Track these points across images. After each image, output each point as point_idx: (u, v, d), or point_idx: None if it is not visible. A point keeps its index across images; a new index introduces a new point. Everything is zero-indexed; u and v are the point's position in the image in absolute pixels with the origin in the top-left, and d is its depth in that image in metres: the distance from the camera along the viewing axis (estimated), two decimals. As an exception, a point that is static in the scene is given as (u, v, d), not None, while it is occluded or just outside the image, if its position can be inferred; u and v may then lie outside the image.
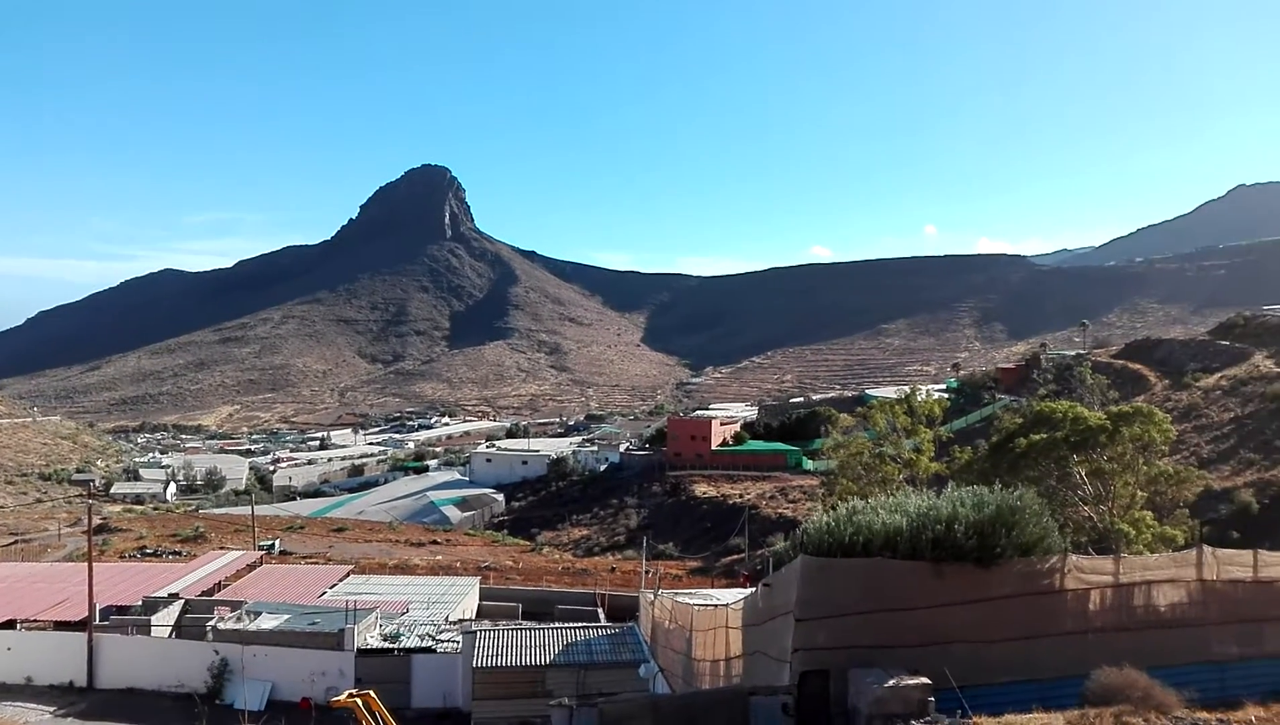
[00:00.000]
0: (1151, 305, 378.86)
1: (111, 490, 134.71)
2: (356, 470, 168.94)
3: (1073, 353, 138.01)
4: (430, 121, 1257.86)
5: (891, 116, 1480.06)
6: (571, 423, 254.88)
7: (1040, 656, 16.09)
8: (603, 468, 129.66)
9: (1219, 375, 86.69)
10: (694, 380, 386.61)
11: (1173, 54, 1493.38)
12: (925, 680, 14.19)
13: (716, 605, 24.71)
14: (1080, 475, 34.84)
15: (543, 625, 38.86)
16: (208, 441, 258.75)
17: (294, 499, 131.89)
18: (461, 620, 44.98)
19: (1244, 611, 17.82)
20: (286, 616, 40.88)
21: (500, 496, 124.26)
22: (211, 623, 40.03)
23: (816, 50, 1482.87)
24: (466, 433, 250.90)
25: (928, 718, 13.59)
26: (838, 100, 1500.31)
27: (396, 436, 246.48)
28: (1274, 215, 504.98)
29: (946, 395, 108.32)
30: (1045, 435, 35.65)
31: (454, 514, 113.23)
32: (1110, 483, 34.44)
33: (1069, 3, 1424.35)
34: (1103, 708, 13.96)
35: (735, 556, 71.64)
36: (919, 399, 49.00)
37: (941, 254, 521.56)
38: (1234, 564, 18.18)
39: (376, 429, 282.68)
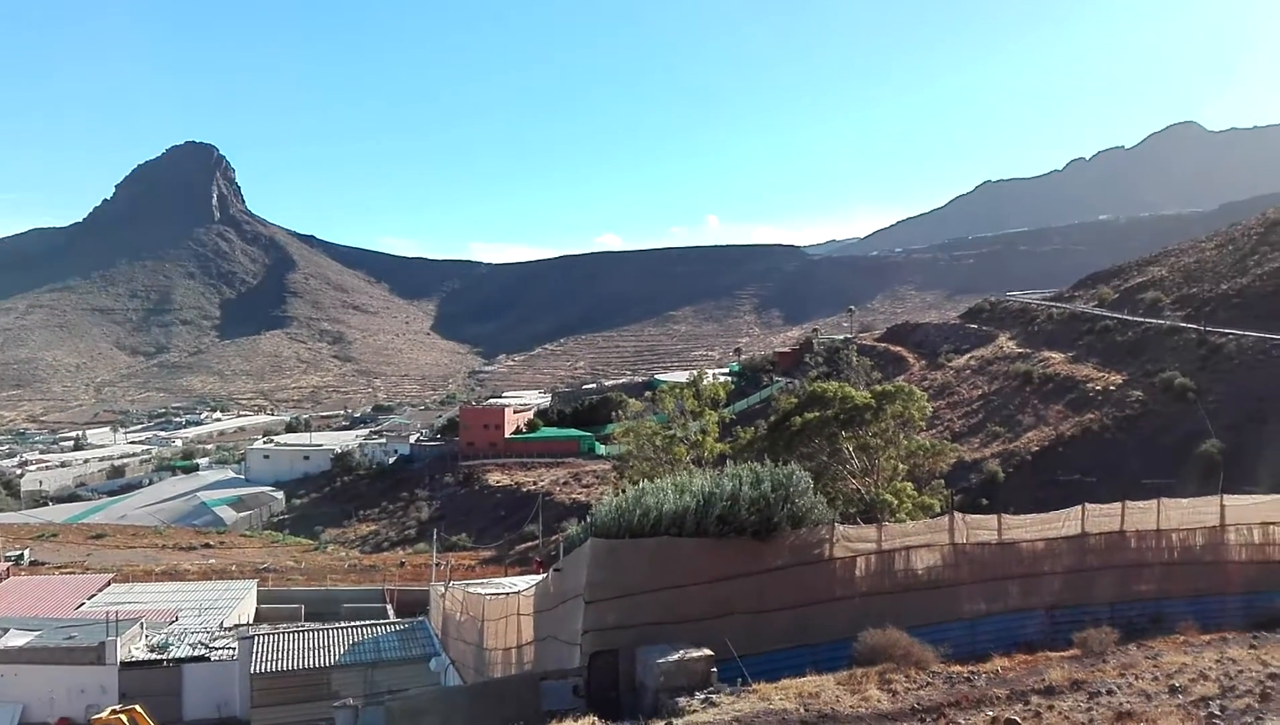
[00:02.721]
0: (910, 292, 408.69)
1: None
2: (117, 472, 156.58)
3: (841, 337, 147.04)
4: (195, 96, 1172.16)
5: (676, 109, 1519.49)
6: (357, 415, 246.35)
7: (813, 622, 17.06)
8: (392, 460, 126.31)
9: (969, 356, 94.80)
10: (486, 368, 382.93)
11: (919, 60, 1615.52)
12: (708, 652, 14.73)
13: (508, 594, 24.64)
14: (849, 450, 37.16)
15: (327, 626, 37.59)
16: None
17: (45, 505, 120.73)
18: (238, 626, 42.71)
19: (990, 571, 19.60)
20: (39, 632, 37.51)
21: (280, 495, 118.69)
22: (-52, 645, 36.04)
23: (606, 39, 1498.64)
24: (241, 428, 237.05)
25: (711, 688, 14.11)
26: (625, 91, 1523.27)
27: (162, 434, 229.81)
28: (1017, 209, 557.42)
29: (729, 378, 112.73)
30: (818, 414, 37.78)
31: (228, 515, 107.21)
32: (875, 457, 36.96)
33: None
34: (869, 667, 14.98)
35: (529, 544, 71.72)
36: (704, 383, 50.62)
37: (724, 244, 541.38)
38: (981, 528, 19.96)
39: (139, 427, 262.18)
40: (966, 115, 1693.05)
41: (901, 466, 37.07)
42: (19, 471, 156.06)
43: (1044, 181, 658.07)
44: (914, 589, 18.67)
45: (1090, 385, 67.37)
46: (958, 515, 20.07)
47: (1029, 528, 20.37)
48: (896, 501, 33.61)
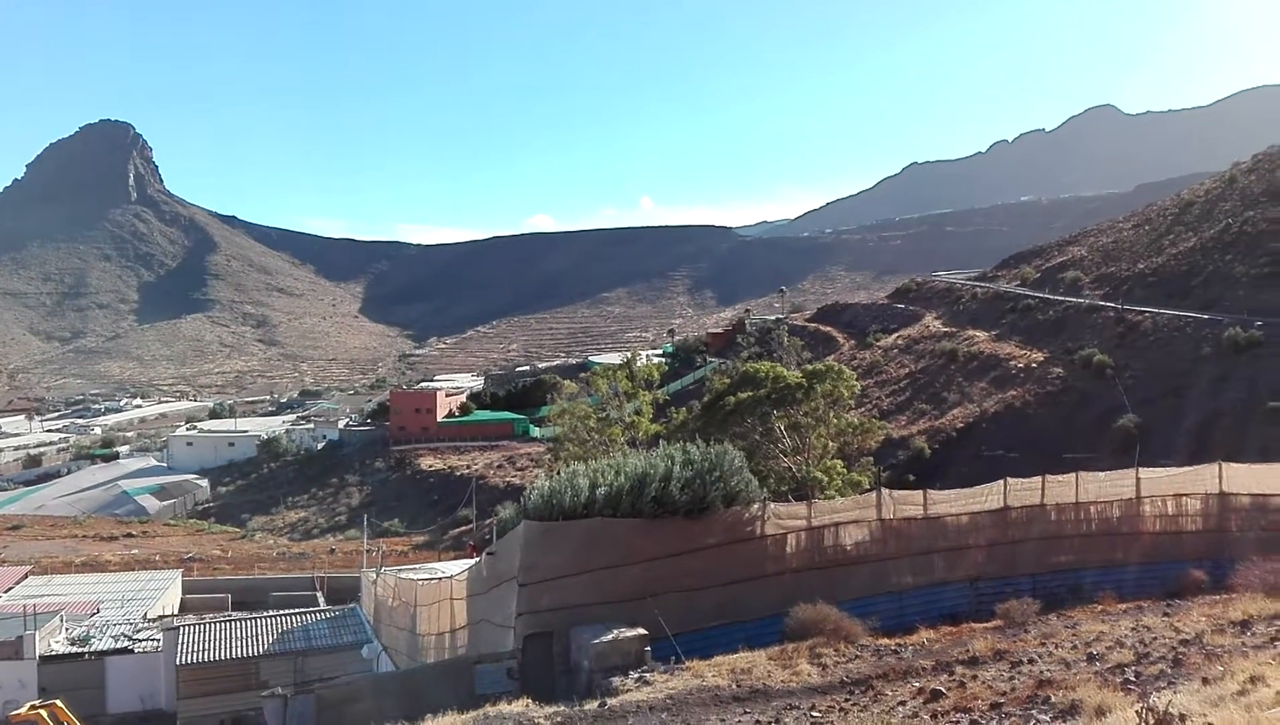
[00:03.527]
0: (840, 272, 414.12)
1: None
2: (33, 461, 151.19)
3: (773, 317, 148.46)
4: (110, 72, 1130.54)
5: (609, 88, 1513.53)
6: (284, 400, 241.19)
7: (745, 599, 17.28)
8: (320, 446, 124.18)
9: (896, 335, 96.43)
10: (417, 352, 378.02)
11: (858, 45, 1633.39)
12: (642, 631, 14.83)
13: (441, 578, 24.47)
14: (780, 429, 37.58)
15: (255, 614, 36.94)
16: None
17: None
18: (162, 617, 41.74)
19: (917, 545, 20.06)
20: (-50, 629, 36.11)
21: (205, 482, 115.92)
22: None
23: (535, 16, 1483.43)
24: (163, 415, 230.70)
25: (645, 666, 14.21)
26: (556, 69, 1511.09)
27: (80, 422, 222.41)
28: (942, 191, 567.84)
29: (663, 359, 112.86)
30: (750, 394, 38.12)
31: (151, 504, 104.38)
32: (806, 435, 37.43)
33: None
34: (799, 642, 15.24)
35: (463, 528, 71.28)
36: (638, 364, 50.63)
37: (657, 225, 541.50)
38: (908, 504, 20.40)
39: (55, 414, 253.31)
40: (894, 98, 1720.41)
41: (832, 444, 37.62)
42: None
43: (969, 163, 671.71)
44: (843, 564, 19.02)
45: (1013, 363, 68.99)
46: (885, 491, 20.48)
47: (954, 503, 20.86)
48: (827, 479, 34.14)
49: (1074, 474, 22.50)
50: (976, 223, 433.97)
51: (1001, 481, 21.50)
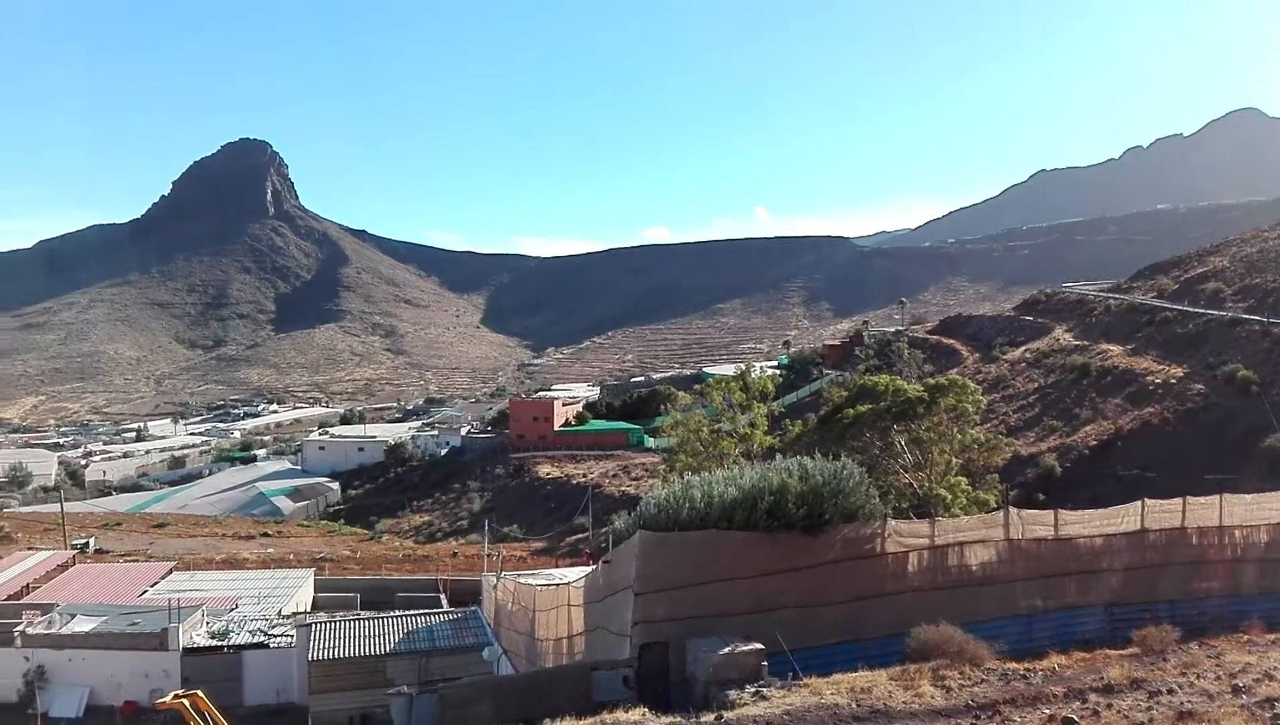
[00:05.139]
0: (963, 283, 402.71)
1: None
2: (178, 462, 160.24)
3: (892, 329, 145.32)
4: (249, 94, 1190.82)
5: (725, 101, 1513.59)
6: (410, 407, 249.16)
7: (864, 617, 16.97)
8: (444, 452, 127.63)
9: (1024, 348, 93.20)
10: (535, 361, 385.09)
11: (981, 51, 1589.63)
12: (758, 646, 14.73)
13: (559, 585, 24.83)
14: (901, 444, 36.80)
15: (382, 614, 38.13)
16: (10, 435, 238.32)
17: (109, 494, 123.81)
18: (296, 614, 43.54)
19: (1047, 567, 19.32)
20: (104, 618, 38.59)
21: (335, 485, 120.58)
22: (20, 628, 37.27)
23: (654, 31, 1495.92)
24: (297, 420, 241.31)
25: (761, 681, 14.11)
26: (674, 83, 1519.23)
27: (221, 426, 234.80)
28: (1072, 199, 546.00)
29: (778, 371, 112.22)
30: (869, 407, 37.45)
31: (286, 505, 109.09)
32: (928, 451, 36.54)
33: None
34: (921, 663, 14.86)
35: (579, 536, 72.11)
36: (753, 376, 50.45)
37: (772, 235, 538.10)
38: (1037, 524, 19.68)
39: (198, 418, 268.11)
40: (1021, 103, 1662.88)
41: (955, 461, 36.63)
42: (84, 462, 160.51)
43: (1101, 170, 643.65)
44: (968, 585, 18.48)
45: (1150, 378, 65.96)
46: (1013, 510, 19.83)
47: (1087, 523, 20.05)
48: (950, 496, 33.23)
49: (1218, 496, 21.33)
50: (1109, 232, 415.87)
51: (1139, 502, 20.58)
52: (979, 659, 15.07)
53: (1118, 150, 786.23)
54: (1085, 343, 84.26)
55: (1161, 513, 20.48)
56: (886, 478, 35.21)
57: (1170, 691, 12.41)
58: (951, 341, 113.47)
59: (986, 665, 14.98)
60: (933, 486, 34.34)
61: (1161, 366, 67.82)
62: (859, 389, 41.48)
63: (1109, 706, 11.83)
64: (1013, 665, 15.32)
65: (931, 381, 39.52)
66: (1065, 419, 66.97)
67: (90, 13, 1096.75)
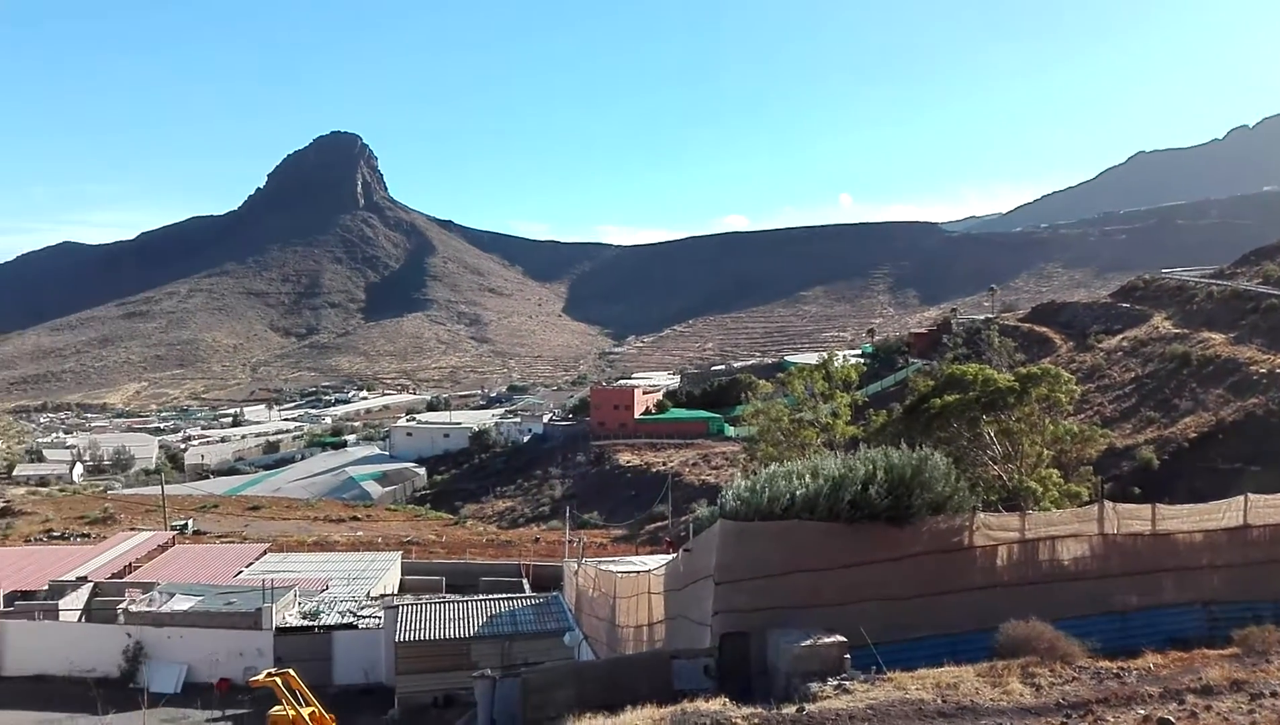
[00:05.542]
0: (1056, 269, 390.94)
1: (14, 472, 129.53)
2: (272, 447, 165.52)
3: (982, 317, 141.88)
4: (340, 87, 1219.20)
5: (807, 86, 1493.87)
6: (493, 394, 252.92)
7: (951, 611, 16.59)
8: (526, 439, 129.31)
9: (1120, 337, 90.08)
10: (616, 349, 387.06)
11: (1079, 30, 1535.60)
12: (841, 638, 14.54)
13: (639, 572, 24.93)
14: (990, 435, 35.86)
15: (466, 598, 38.82)
16: (114, 420, 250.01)
17: (207, 478, 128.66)
18: (383, 595, 44.62)
19: (1143, 563, 18.63)
20: (201, 597, 40.09)
21: (422, 470, 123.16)
22: (122, 605, 39.03)
23: (735, 17, 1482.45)
24: (385, 407, 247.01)
25: (844, 674, 13.94)
26: (754, 69, 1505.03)
27: (313, 412, 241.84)
28: (1172, 181, 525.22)
29: (862, 360, 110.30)
30: (956, 397, 36.55)
31: (374, 489, 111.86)
32: (1018, 442, 35.52)
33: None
34: (1010, 659, 14.49)
35: (659, 524, 72.32)
36: (836, 365, 49.69)
37: (856, 222, 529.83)
38: (1134, 518, 18.98)
39: (291, 404, 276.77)
40: (1118, 83, 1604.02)
41: (1046, 453, 35.53)
42: (183, 446, 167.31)
43: (1203, 151, 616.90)
44: (1059, 580, 17.94)
45: (1254, 368, 63.18)
46: (1108, 504, 19.18)
47: (1185, 518, 19.28)
48: (1041, 489, 32.26)
49: (1328, 491, 20.32)
50: (1212, 215, 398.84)
51: (1241, 497, 19.71)
52: (1070, 656, 14.64)
53: (1221, 130, 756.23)
54: (1186, 331, 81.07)
55: (1265, 508, 19.59)
56: (975, 470, 34.34)
57: (1274, 694, 11.88)
58: (1044, 330, 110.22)
59: (1078, 663, 14.54)
60: (1023, 479, 33.40)
61: (1266, 356, 64.94)
62: (946, 378, 40.54)
63: (1208, 708, 11.38)
64: (1105, 664, 14.84)
65: (1023, 371, 38.37)
66: (1163, 410, 64.62)
67: (179, 13, 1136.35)
